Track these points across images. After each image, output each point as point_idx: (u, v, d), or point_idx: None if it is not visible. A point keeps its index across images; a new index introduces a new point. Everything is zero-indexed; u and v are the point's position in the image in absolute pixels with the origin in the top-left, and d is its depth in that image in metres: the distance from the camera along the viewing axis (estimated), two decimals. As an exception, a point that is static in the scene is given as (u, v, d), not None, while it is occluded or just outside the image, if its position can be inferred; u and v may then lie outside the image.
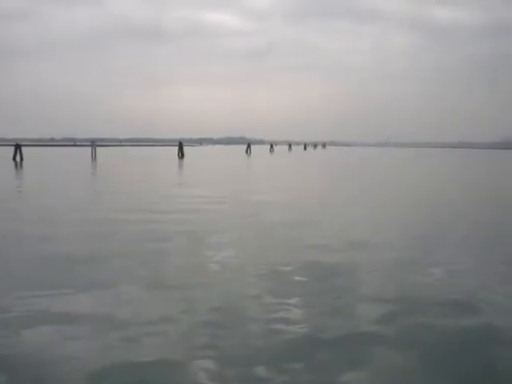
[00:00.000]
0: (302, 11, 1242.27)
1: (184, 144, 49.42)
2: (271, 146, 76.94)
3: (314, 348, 4.00)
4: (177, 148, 48.00)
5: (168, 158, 44.00)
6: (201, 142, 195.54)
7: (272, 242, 7.91)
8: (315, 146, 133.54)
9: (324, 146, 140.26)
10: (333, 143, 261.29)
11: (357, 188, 18.11)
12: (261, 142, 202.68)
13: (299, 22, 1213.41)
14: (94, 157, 40.86)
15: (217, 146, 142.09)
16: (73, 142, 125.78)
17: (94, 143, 43.74)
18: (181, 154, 46.13)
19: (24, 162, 33.88)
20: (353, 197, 15.17)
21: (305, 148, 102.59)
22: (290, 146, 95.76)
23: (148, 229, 8.88)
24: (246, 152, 61.54)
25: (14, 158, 36.47)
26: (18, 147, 37.18)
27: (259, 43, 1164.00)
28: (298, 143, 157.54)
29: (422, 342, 4.14)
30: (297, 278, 5.86)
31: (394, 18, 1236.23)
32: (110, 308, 4.81)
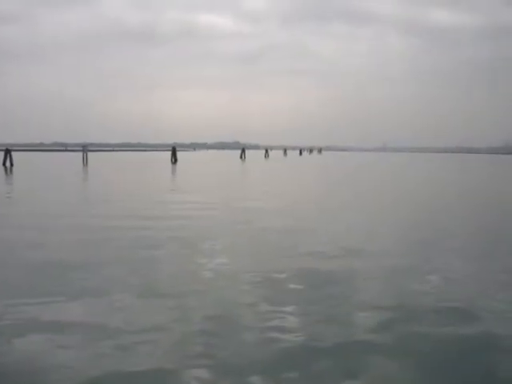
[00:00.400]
0: (297, 14, 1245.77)
1: (177, 149, 49.09)
2: (266, 151, 76.68)
3: (309, 357, 3.95)
4: (169, 153, 47.64)
5: (161, 164, 43.90)
6: (194, 147, 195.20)
7: (266, 249, 7.84)
8: (311, 150, 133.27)
9: (320, 151, 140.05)
10: (329, 148, 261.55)
11: (353, 193, 18.07)
12: (256, 147, 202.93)
13: (295, 25, 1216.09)
14: (85, 162, 40.35)
15: (210, 151, 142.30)
16: (64, 147, 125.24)
17: (85, 148, 43.22)
18: (174, 159, 45.78)
19: (14, 168, 33.42)
20: (349, 202, 15.11)
21: (300, 153, 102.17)
22: (285, 151, 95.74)
23: (140, 235, 8.79)
24: (241, 157, 61.28)
25: (4, 164, 35.90)
26: (8, 152, 36.62)
27: (254, 46, 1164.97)
28: (293, 148, 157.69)
29: (420, 350, 4.09)
30: (292, 286, 5.80)
31: (391, 21, 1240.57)
32: (102, 316, 4.76)
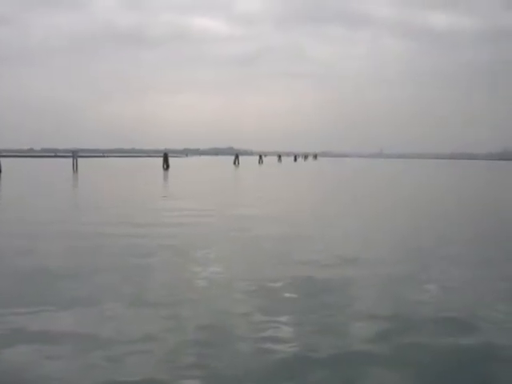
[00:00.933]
0: (293, 16, 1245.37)
1: (169, 155, 48.92)
2: (260, 157, 76.59)
3: (305, 368, 3.87)
4: (161, 159, 47.46)
5: (153, 170, 43.70)
6: (187, 152, 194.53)
7: (261, 257, 7.74)
8: (306, 157, 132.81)
9: (315, 157, 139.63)
10: (324, 154, 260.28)
11: (348, 200, 18.03)
12: (250, 153, 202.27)
13: (291, 27, 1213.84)
14: (75, 169, 39.93)
15: (204, 157, 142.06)
16: (53, 153, 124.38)
17: (75, 154, 42.70)
18: (166, 166, 45.60)
19: (2, 174, 33.01)
20: (344, 209, 15.06)
21: (295, 159, 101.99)
22: (279, 157, 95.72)
23: (132, 243, 8.67)
24: (234, 163, 61.22)
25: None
26: (-4, 158, 36.10)
27: (249, 49, 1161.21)
28: (288, 154, 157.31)
29: (418, 361, 4.01)
30: (287, 295, 5.72)
31: (388, 23, 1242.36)
32: (93, 326, 4.66)
